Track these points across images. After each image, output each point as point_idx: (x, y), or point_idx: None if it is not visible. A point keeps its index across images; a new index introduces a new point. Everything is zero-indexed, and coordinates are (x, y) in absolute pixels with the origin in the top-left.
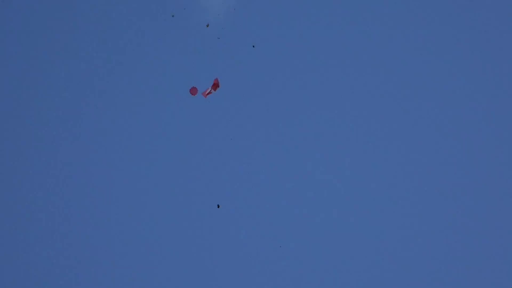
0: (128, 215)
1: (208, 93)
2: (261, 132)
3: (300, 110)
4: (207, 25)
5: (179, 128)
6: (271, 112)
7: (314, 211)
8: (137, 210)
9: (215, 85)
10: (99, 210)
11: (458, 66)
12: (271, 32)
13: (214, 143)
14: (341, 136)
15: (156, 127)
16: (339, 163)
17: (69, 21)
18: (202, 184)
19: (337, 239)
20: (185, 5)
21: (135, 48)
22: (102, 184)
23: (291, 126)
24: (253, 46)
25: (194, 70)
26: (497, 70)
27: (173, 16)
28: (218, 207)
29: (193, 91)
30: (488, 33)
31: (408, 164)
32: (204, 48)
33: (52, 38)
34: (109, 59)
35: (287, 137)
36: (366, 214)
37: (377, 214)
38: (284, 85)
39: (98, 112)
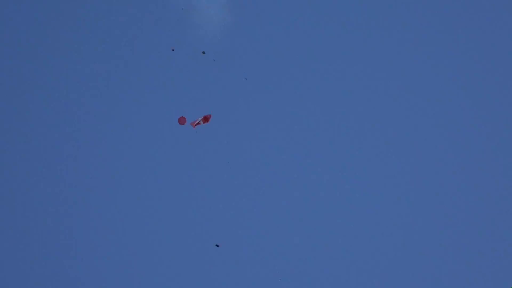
0: (126, 260)
1: (197, 124)
2: (253, 159)
3: (293, 138)
4: (203, 52)
5: (171, 154)
6: (262, 141)
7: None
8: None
9: (206, 119)
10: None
11: (457, 68)
12: (267, 58)
13: (208, 171)
14: (331, 167)
15: (148, 154)
16: (332, 192)
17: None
18: (194, 216)
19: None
20: (182, 34)
21: (133, 69)
22: (97, 217)
23: (285, 155)
24: (246, 79)
25: (188, 97)
26: (496, 72)
27: (173, 50)
28: (217, 246)
29: (182, 120)
30: (488, 34)
31: (406, 164)
32: (199, 75)
33: (55, 62)
34: (106, 81)
35: (280, 165)
36: (373, 234)
37: (382, 223)
38: (276, 113)
39: (93, 123)
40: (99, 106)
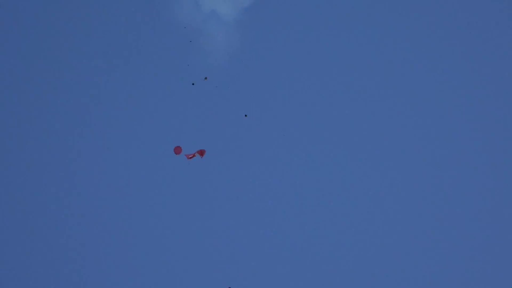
0: None
1: (191, 157)
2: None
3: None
4: (205, 78)
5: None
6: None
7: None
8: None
9: (201, 153)
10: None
11: (457, 68)
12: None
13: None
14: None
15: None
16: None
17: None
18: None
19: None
20: (186, 60)
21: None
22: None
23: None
24: (246, 116)
25: (187, 126)
26: (496, 72)
27: (193, 84)
28: None
29: (177, 150)
30: (488, 35)
31: (406, 165)
32: (200, 103)
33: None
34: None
35: (281, 205)
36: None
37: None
38: (280, 152)
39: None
40: (98, 125)
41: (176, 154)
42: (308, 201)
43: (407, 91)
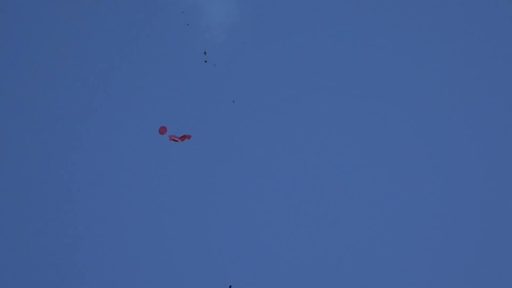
0: None
1: (175, 140)
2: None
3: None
4: (205, 53)
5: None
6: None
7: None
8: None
9: (184, 138)
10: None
11: (458, 69)
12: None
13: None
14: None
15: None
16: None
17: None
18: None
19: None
20: (183, 36)
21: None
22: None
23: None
24: (233, 101)
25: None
26: (496, 73)
27: (206, 62)
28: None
29: (162, 130)
30: (487, 36)
31: (405, 166)
32: (196, 82)
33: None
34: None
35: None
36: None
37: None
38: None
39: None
40: (87, 105)
41: (161, 134)
42: (304, 192)
43: (407, 91)
